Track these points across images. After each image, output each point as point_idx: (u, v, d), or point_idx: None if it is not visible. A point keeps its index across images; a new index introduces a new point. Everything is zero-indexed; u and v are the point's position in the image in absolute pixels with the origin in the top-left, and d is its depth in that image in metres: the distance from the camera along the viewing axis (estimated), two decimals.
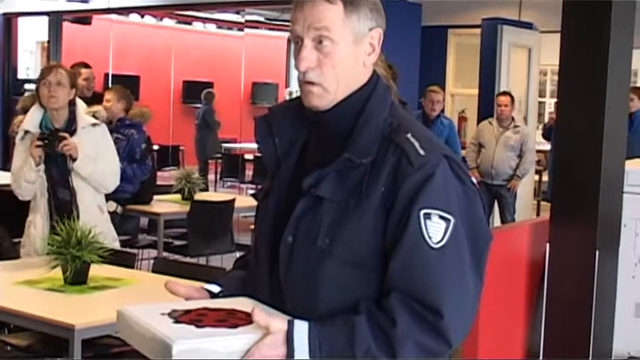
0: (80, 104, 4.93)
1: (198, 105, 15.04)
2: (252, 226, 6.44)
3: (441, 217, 1.81)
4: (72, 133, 4.75)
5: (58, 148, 4.67)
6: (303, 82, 1.93)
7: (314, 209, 1.89)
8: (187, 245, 7.26)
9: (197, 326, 1.78)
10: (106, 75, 14.36)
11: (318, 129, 1.99)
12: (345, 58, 1.92)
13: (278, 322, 1.78)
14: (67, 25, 12.79)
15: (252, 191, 12.64)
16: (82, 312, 3.65)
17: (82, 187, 4.79)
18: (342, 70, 1.92)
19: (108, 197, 6.15)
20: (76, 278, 3.93)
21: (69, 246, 3.87)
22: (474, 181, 1.93)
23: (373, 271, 1.85)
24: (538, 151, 11.84)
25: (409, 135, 1.88)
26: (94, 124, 4.87)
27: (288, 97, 9.80)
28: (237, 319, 1.83)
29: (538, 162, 11.77)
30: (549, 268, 4.18)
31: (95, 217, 4.71)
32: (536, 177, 11.74)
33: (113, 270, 4.20)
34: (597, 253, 4.04)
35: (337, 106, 1.94)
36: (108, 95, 6.96)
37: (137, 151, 6.79)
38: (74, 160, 4.70)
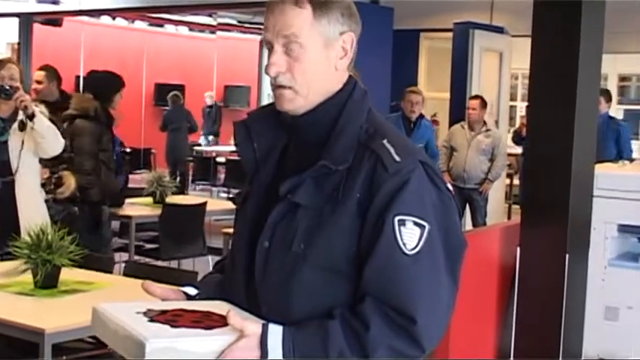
0: (28, 97, 5.05)
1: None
2: (224, 230, 6.44)
3: (416, 224, 1.81)
4: (18, 126, 4.90)
5: (12, 99, 4.81)
6: (275, 86, 1.93)
7: (290, 215, 1.89)
8: (159, 248, 7.24)
9: (172, 326, 1.78)
10: (77, 77, 14.27)
11: (295, 134, 1.99)
12: (315, 62, 1.92)
13: (252, 325, 1.78)
14: (37, 27, 12.70)
15: (224, 194, 12.62)
16: (53, 316, 3.63)
17: (26, 170, 4.93)
18: (313, 74, 1.92)
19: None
20: (47, 282, 3.90)
21: (39, 249, 3.85)
22: (450, 187, 1.94)
23: (348, 277, 1.85)
24: (509, 155, 11.91)
25: (385, 141, 1.88)
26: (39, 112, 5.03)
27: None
28: (212, 321, 1.83)
29: (509, 165, 11.83)
30: (520, 270, 4.20)
31: (37, 200, 4.96)
32: (508, 180, 11.80)
33: (84, 274, 4.17)
34: (567, 256, 4.07)
35: (312, 111, 1.94)
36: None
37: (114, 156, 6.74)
38: (30, 117, 4.80)
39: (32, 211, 4.81)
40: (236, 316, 1.78)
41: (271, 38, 1.92)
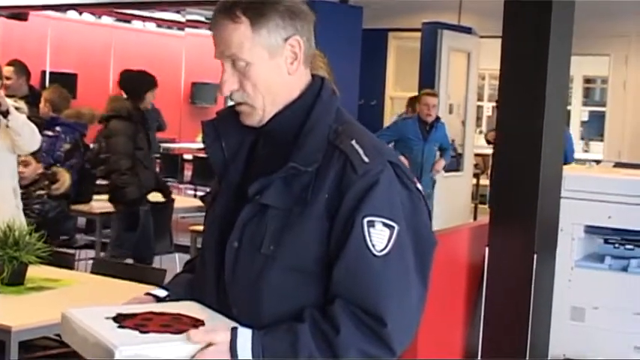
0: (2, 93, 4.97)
1: None
2: (192, 227, 6.39)
3: (385, 225, 1.81)
4: None
5: None
6: (234, 103, 1.93)
7: (259, 216, 1.88)
8: None
9: (141, 331, 1.77)
10: (43, 72, 14.13)
11: (264, 135, 1.98)
12: (263, 74, 1.90)
13: (220, 334, 1.77)
14: (2, 21, 12.58)
15: (190, 192, 12.57)
16: (19, 313, 3.59)
17: (1, 170, 4.83)
18: (265, 87, 1.90)
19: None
20: (13, 279, 3.86)
21: (6, 246, 3.81)
22: (420, 187, 1.94)
23: (318, 278, 1.84)
24: (477, 155, 11.95)
25: (354, 141, 1.87)
26: (16, 108, 4.95)
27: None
28: (182, 325, 1.82)
29: (476, 165, 11.88)
30: (488, 271, 4.22)
31: (9, 204, 4.80)
32: (474, 180, 11.85)
33: (51, 271, 4.14)
34: (535, 256, 4.10)
35: (276, 117, 1.93)
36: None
37: (58, 149, 6.68)
38: (4, 113, 4.71)
39: (3, 214, 4.65)
40: (198, 333, 1.76)
41: (219, 57, 1.92)
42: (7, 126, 4.74)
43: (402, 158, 8.05)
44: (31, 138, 4.92)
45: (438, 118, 8.33)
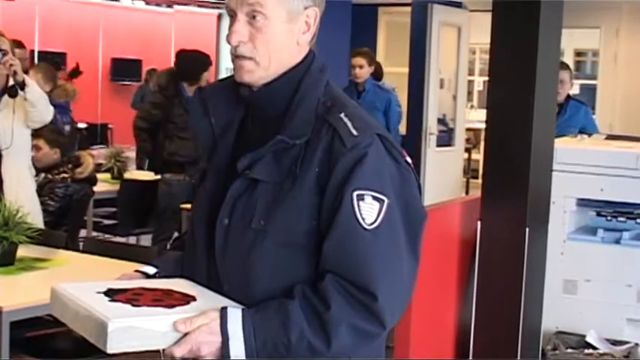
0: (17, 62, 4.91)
1: (127, 82, 14.82)
2: (183, 205, 6.37)
3: (375, 198, 1.80)
4: (9, 91, 4.73)
5: (1, 62, 4.60)
6: (235, 57, 1.91)
7: (249, 191, 1.87)
8: (117, 224, 7.19)
9: (133, 305, 1.77)
10: (32, 52, 14.06)
11: (253, 108, 1.96)
12: (277, 34, 1.89)
13: (208, 316, 1.75)
14: None
15: None
16: (10, 294, 3.59)
17: (17, 144, 4.77)
18: (275, 47, 1.90)
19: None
20: (4, 259, 3.86)
21: None
22: (409, 160, 1.93)
23: (309, 253, 1.84)
24: (468, 129, 11.97)
25: (342, 115, 1.87)
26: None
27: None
28: (173, 299, 1.82)
29: (467, 140, 11.89)
30: (480, 245, 4.22)
31: (28, 183, 4.82)
32: (466, 155, 11.86)
33: (42, 250, 4.13)
34: (527, 230, 4.09)
35: (270, 84, 1.92)
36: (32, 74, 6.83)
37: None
38: (21, 85, 4.61)
39: (20, 193, 4.58)
40: (181, 323, 1.74)
41: (235, 6, 1.89)
42: (25, 98, 4.62)
43: None
44: (46, 109, 4.82)
45: (569, 97, 6.49)
